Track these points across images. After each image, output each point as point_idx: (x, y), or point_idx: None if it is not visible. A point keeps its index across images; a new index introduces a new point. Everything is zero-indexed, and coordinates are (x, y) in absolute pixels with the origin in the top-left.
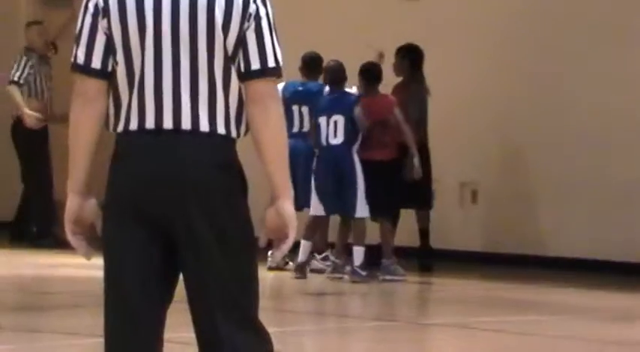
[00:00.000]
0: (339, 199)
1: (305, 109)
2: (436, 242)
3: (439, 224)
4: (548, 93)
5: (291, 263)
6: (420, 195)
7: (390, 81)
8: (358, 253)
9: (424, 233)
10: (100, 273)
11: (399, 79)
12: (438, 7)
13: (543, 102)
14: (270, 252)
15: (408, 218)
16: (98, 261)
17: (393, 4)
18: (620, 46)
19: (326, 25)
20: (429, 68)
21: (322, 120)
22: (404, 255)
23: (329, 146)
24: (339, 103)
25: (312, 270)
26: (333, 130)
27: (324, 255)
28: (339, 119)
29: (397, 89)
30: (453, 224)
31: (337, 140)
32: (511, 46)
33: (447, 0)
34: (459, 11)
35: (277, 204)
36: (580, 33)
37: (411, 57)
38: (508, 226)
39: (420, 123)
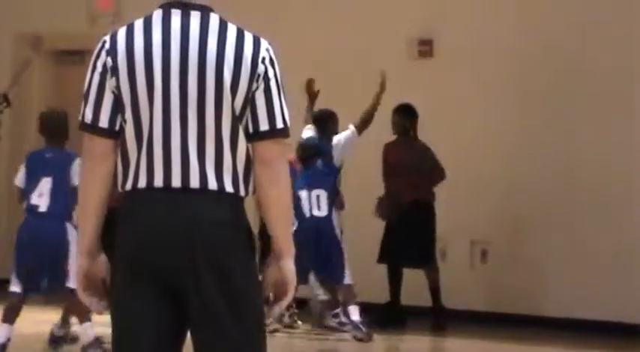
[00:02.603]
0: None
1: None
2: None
3: (449, 283)
4: (561, 156)
5: (300, 322)
6: (422, 254)
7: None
8: (355, 310)
9: (434, 292)
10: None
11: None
12: (450, 65)
13: (556, 164)
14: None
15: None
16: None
17: (404, 61)
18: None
19: (340, 79)
20: (440, 126)
21: (303, 193)
22: (418, 314)
23: (312, 217)
24: (320, 179)
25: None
26: (316, 203)
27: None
28: (322, 193)
29: (394, 146)
30: (461, 283)
31: (321, 213)
32: (524, 106)
33: (459, 58)
34: (470, 70)
35: (280, 261)
36: (591, 100)
37: (410, 115)
38: (516, 287)
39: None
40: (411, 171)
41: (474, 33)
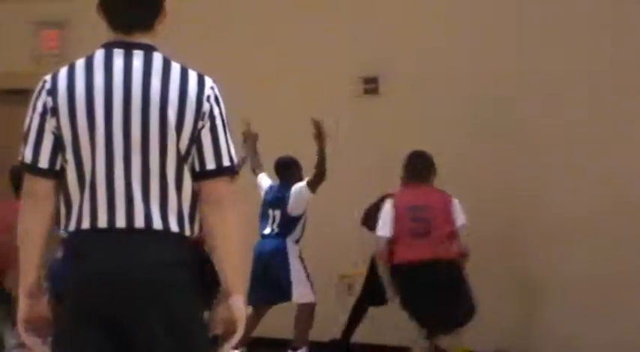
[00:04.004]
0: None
1: (277, 213)
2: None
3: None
4: (508, 188)
5: None
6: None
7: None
8: None
9: None
10: None
11: None
12: (396, 102)
13: (503, 197)
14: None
15: None
16: None
17: (349, 99)
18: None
19: (284, 119)
20: (387, 162)
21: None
22: None
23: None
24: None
25: None
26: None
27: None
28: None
29: None
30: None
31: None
32: (473, 139)
33: (404, 94)
34: (416, 106)
35: (230, 299)
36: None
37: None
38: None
39: None
40: None
41: (420, 69)
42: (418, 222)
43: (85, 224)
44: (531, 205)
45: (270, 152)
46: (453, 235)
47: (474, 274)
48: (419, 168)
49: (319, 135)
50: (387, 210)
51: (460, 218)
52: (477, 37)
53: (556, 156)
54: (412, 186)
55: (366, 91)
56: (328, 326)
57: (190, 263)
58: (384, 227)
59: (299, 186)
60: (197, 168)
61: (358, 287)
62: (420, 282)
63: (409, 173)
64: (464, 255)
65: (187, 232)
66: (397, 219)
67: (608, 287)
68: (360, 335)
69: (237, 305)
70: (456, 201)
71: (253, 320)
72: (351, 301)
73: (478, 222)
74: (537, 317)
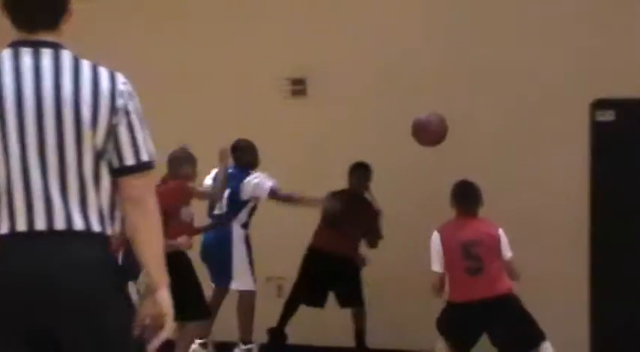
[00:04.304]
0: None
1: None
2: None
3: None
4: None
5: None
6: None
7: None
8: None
9: (359, 332)
10: None
11: None
12: (324, 103)
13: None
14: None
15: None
16: None
17: (277, 101)
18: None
19: (212, 121)
20: (315, 164)
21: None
22: None
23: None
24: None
25: None
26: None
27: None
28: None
29: None
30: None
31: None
32: (399, 139)
33: (332, 96)
34: (344, 107)
35: (155, 294)
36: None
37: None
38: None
39: None
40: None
41: (347, 70)
42: (471, 259)
43: (4, 229)
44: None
45: (199, 152)
46: (503, 268)
47: (413, 276)
48: (470, 200)
49: (222, 161)
50: (435, 246)
51: (507, 251)
52: (405, 36)
53: (486, 154)
54: (462, 219)
55: (294, 93)
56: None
57: (113, 263)
58: (435, 262)
59: (260, 181)
60: (116, 164)
61: (288, 289)
62: (479, 320)
63: (460, 206)
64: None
65: (109, 231)
66: (448, 255)
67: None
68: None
69: (164, 299)
70: (502, 233)
71: (213, 301)
72: (280, 303)
73: (414, 221)
74: None
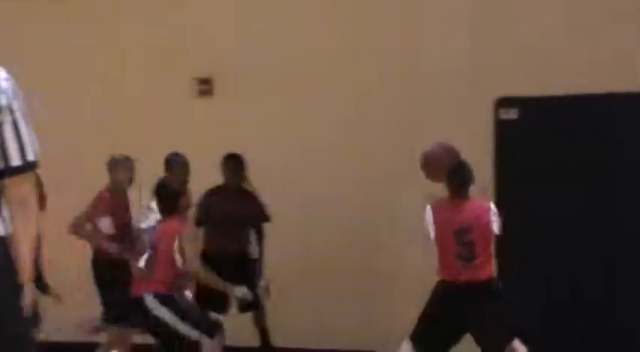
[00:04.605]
0: None
1: None
2: None
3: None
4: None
5: None
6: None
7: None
8: None
9: (263, 332)
10: None
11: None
12: (231, 102)
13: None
14: None
15: None
16: None
17: (184, 101)
18: None
19: (122, 120)
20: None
21: None
22: None
23: None
24: None
25: None
26: None
27: None
28: None
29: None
30: None
31: None
32: (306, 139)
33: (239, 95)
34: (251, 107)
35: (27, 288)
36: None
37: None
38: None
39: None
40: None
41: (253, 70)
42: (463, 246)
43: None
44: (365, 205)
45: (106, 154)
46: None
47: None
48: (463, 182)
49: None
50: (428, 220)
51: (496, 228)
52: (309, 34)
53: (389, 150)
54: (455, 201)
55: (201, 92)
56: None
57: (10, 264)
58: (430, 233)
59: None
60: (1, 165)
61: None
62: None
63: (453, 188)
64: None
65: (2, 232)
66: (440, 236)
67: None
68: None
69: (28, 291)
70: (494, 208)
71: None
72: None
73: (310, 220)
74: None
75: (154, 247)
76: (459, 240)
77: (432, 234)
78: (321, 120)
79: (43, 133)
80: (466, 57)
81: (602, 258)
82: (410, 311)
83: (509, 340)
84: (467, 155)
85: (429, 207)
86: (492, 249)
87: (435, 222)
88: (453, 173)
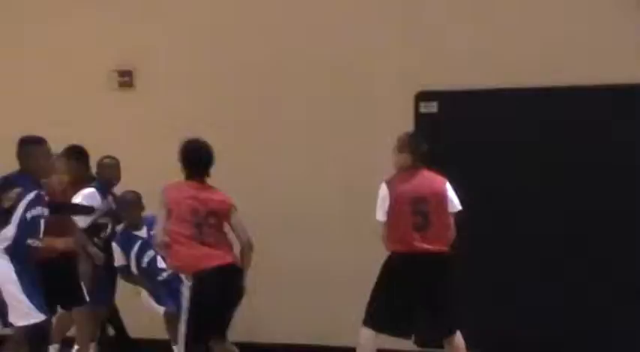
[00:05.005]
0: None
1: None
2: None
3: None
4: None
5: None
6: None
7: None
8: None
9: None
10: None
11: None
12: (151, 95)
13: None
14: None
15: None
16: None
17: (104, 93)
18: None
19: (34, 115)
20: (149, 155)
21: None
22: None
23: None
24: None
25: None
26: None
27: None
28: None
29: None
30: None
31: None
32: (228, 132)
33: (159, 87)
34: (171, 99)
35: None
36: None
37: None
38: None
39: None
40: None
41: (174, 62)
42: (419, 215)
43: None
44: (283, 200)
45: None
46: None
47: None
48: (422, 151)
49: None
50: (381, 196)
51: (455, 204)
52: (237, 29)
53: (313, 143)
54: (411, 172)
55: (121, 85)
56: None
57: None
58: (380, 211)
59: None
60: None
61: None
62: (415, 275)
63: (411, 157)
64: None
65: None
66: (395, 208)
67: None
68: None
69: None
70: (449, 186)
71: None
72: None
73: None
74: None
75: None
76: (414, 209)
77: (385, 208)
78: (247, 116)
79: None
80: (388, 52)
81: (528, 241)
82: None
83: (452, 330)
84: (388, 147)
85: (383, 184)
86: (449, 221)
87: (391, 194)
88: (408, 142)
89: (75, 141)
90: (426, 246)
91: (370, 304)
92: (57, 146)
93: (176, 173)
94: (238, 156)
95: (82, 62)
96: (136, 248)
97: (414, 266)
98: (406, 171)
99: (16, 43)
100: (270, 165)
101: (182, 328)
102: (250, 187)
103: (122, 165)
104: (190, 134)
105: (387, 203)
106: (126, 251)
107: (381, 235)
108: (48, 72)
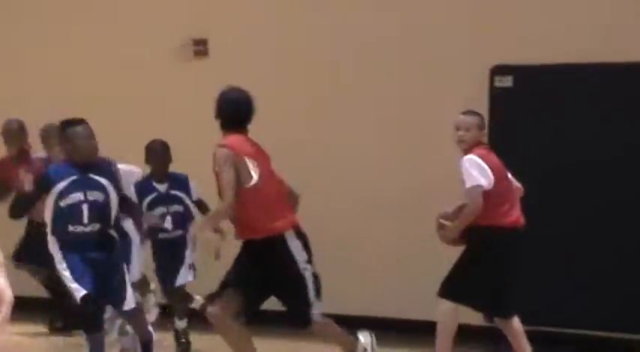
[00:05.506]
0: None
1: None
2: None
3: None
4: (342, 155)
5: None
6: None
7: None
8: None
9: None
10: None
11: None
12: (227, 64)
13: (338, 163)
14: None
15: None
16: None
17: (178, 62)
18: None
19: (114, 87)
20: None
21: None
22: None
23: None
24: None
25: None
26: None
27: None
28: None
29: None
30: None
31: None
32: (306, 103)
33: (235, 56)
34: (248, 68)
35: None
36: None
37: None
38: None
39: None
40: None
41: (251, 29)
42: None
43: None
44: (359, 177)
45: (100, 119)
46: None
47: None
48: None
49: None
50: (482, 166)
51: None
52: None
53: (369, 131)
54: (487, 149)
55: (196, 53)
56: None
57: None
58: (484, 179)
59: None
60: None
61: None
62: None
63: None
64: None
65: None
66: (500, 183)
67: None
68: None
69: None
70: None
71: None
72: None
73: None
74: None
75: None
76: (509, 185)
77: (490, 179)
78: (321, 85)
79: None
80: (462, 25)
81: (600, 215)
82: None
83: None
84: None
85: (473, 157)
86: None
87: (491, 168)
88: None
89: (150, 113)
90: (522, 220)
91: (462, 279)
92: (133, 117)
93: (263, 142)
94: (309, 126)
95: (156, 31)
96: (148, 199)
97: (517, 242)
98: (480, 147)
99: (89, 13)
100: (341, 139)
101: None
102: (324, 162)
103: (197, 136)
104: (265, 103)
105: (490, 174)
106: (140, 198)
107: (478, 203)
108: (121, 42)
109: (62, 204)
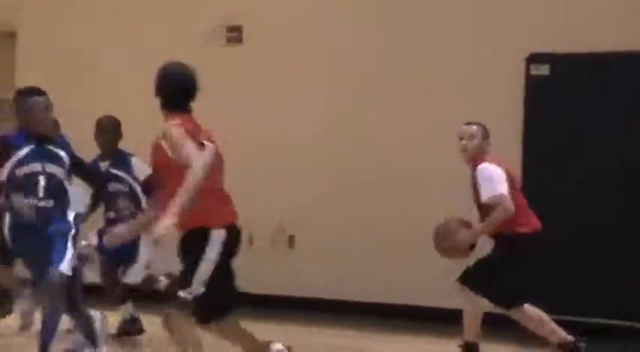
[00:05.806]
0: None
1: None
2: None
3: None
4: (372, 142)
5: None
6: None
7: None
8: None
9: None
10: None
11: None
12: (261, 51)
13: (366, 150)
14: None
15: None
16: None
17: (212, 49)
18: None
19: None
20: (250, 114)
21: None
22: None
23: None
24: None
25: None
26: None
27: None
28: None
29: None
30: (267, 268)
31: None
32: (336, 91)
33: (269, 43)
34: (282, 56)
35: None
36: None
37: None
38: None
39: None
40: None
41: (285, 17)
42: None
43: None
44: (400, 162)
45: (133, 107)
46: None
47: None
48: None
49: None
50: (500, 173)
51: None
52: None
53: (421, 106)
54: (495, 157)
55: (230, 40)
56: None
57: None
58: (502, 186)
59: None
60: None
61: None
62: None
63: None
64: None
65: None
66: (515, 190)
67: None
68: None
69: None
70: None
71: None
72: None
73: (341, 173)
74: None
75: None
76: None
77: (505, 189)
78: (351, 73)
79: None
80: (499, 12)
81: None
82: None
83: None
84: (498, 111)
85: (491, 165)
86: None
87: (507, 175)
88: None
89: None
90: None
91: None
92: (149, 110)
93: (280, 130)
94: (351, 113)
95: (189, 18)
96: None
97: (538, 244)
98: (489, 155)
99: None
100: (382, 124)
101: None
102: (364, 147)
103: (226, 122)
104: (299, 91)
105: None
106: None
107: (507, 209)
108: (155, 29)
109: (19, 173)
